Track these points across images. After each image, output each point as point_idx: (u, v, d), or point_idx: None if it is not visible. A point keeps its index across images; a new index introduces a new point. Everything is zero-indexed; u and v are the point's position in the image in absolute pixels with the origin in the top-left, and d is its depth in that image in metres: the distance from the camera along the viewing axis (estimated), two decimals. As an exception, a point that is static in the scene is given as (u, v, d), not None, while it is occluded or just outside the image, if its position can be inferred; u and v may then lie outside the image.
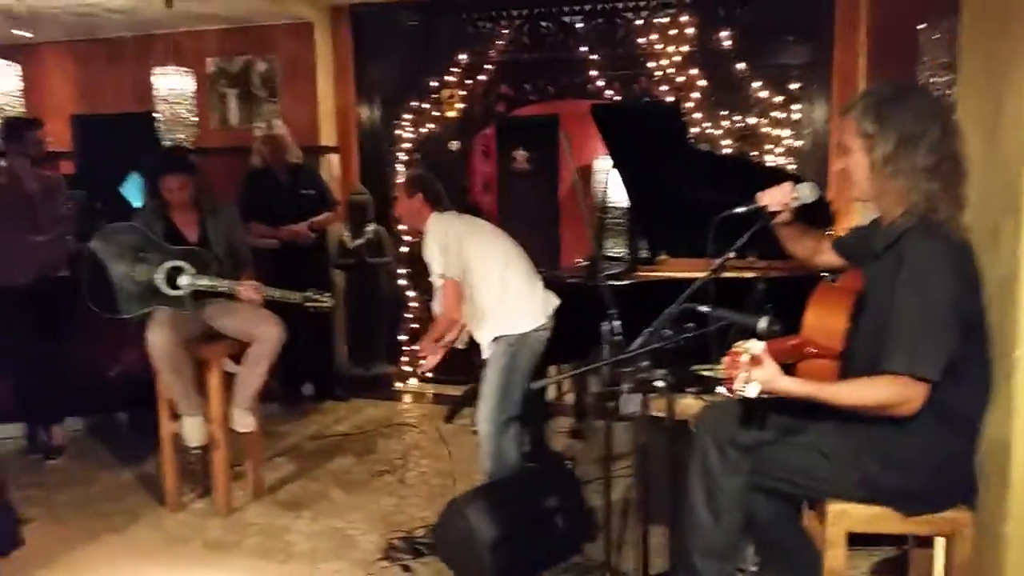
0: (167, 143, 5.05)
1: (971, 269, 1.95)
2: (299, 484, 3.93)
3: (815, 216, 3.69)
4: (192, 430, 3.44)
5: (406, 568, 3.06)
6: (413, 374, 5.77)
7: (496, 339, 3.29)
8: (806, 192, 2.18)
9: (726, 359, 1.84)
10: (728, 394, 1.83)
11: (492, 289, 3.28)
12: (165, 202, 3.56)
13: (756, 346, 1.82)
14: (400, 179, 3.50)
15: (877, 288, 2.01)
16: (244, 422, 3.54)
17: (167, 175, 3.51)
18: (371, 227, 5.43)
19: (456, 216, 3.45)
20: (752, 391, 1.79)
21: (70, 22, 5.53)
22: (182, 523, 3.49)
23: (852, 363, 2.02)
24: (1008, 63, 2.03)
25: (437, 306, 3.41)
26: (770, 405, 2.15)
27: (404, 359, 5.80)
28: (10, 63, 5.31)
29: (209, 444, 3.52)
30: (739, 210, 2.19)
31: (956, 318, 1.86)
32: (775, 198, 2.21)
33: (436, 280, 3.30)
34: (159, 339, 3.30)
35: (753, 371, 1.79)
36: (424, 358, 3.38)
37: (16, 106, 5.18)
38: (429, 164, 5.64)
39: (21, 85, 5.22)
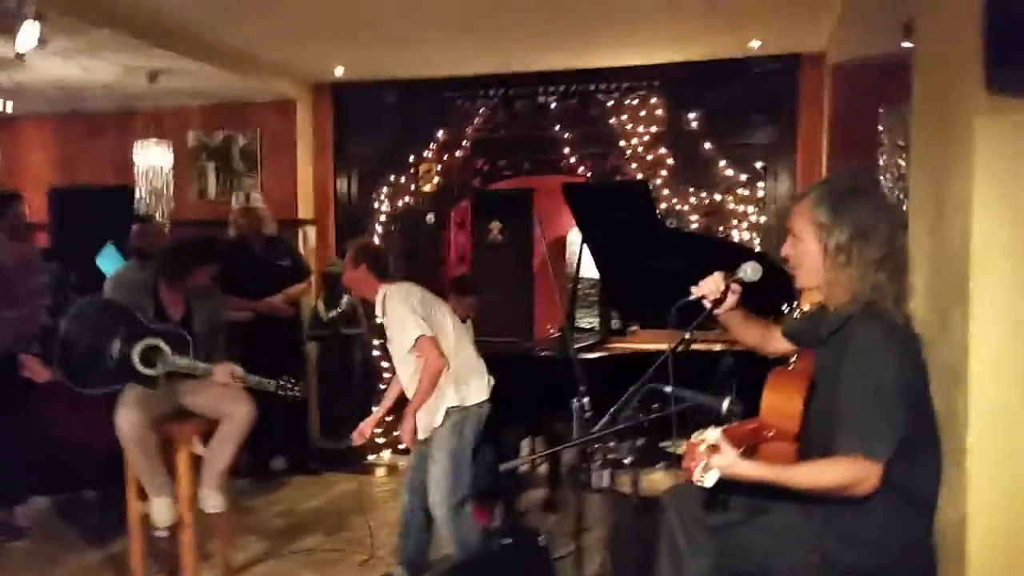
0: (143, 216, 5.08)
1: (915, 351, 2.02)
2: (268, 565, 3.85)
3: (772, 294, 3.81)
4: (160, 511, 3.39)
5: (376, 651, 3.00)
6: (387, 446, 5.72)
7: (446, 410, 3.33)
8: (748, 272, 2.19)
9: (684, 449, 1.87)
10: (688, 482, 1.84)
11: (449, 357, 3.34)
12: (171, 279, 3.54)
13: (712, 435, 1.85)
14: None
15: (825, 372, 2.07)
16: (213, 502, 3.48)
17: (207, 261, 3.57)
18: (346, 299, 5.45)
19: (414, 285, 3.52)
20: (710, 480, 1.81)
21: (53, 95, 5.61)
22: (148, 607, 3.41)
23: (808, 445, 2.06)
24: (949, 150, 2.12)
25: (404, 372, 3.42)
26: (734, 487, 2.18)
27: (378, 431, 5.75)
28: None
29: (177, 525, 3.45)
30: (688, 300, 2.23)
31: (903, 398, 1.91)
32: (709, 288, 2.22)
33: (408, 343, 3.28)
34: (128, 421, 3.27)
35: (712, 458, 1.82)
36: (407, 431, 3.34)
37: (-6, 180, 5.21)
38: (406, 236, 5.75)
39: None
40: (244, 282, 4.93)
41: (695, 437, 1.87)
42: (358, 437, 3.48)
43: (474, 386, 3.40)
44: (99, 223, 5.44)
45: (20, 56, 3.90)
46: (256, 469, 5.11)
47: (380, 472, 5.43)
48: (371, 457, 5.67)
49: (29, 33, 3.33)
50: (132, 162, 5.22)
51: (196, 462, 3.51)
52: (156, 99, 5.72)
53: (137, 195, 5.12)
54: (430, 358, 3.26)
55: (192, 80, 5.21)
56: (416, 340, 3.24)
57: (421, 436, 3.39)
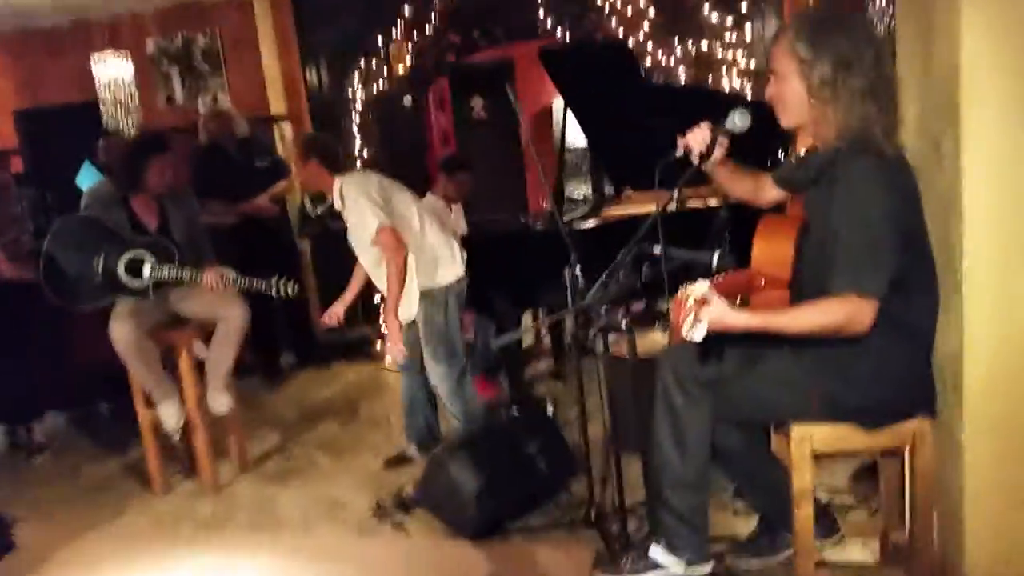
0: (110, 129, 4.94)
1: (907, 182, 1.95)
2: (284, 455, 3.96)
3: (766, 141, 3.71)
4: (169, 415, 3.45)
5: (398, 525, 3.11)
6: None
7: (423, 293, 3.35)
8: (736, 121, 2.11)
9: (671, 306, 1.84)
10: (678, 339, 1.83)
11: (414, 241, 3.33)
12: (129, 188, 3.46)
13: (699, 288, 1.81)
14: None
15: (816, 213, 2.01)
16: (220, 402, 3.54)
17: (155, 158, 3.40)
18: (333, 192, 5.37)
19: (371, 173, 3.46)
20: (699, 333, 1.78)
21: (3, 15, 5.35)
22: (171, 506, 3.53)
23: (800, 289, 2.04)
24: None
25: (366, 261, 3.42)
26: (727, 338, 2.18)
27: (382, 320, 5.80)
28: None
29: (188, 427, 3.53)
30: (673, 155, 2.15)
31: (895, 231, 1.86)
32: (696, 140, 2.15)
33: (368, 235, 3.24)
34: (122, 331, 3.28)
35: (701, 311, 1.79)
36: (393, 335, 3.34)
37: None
38: (384, 122, 5.59)
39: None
40: (224, 186, 4.85)
41: (681, 292, 1.84)
42: (328, 320, 3.54)
43: (445, 265, 3.40)
44: (69, 142, 5.31)
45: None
46: (264, 366, 5.19)
47: (387, 359, 5.51)
48: (377, 344, 5.74)
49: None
50: (93, 76, 5.02)
51: (200, 366, 3.54)
52: (109, 8, 5.44)
53: (102, 109, 4.95)
54: (390, 250, 3.24)
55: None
56: (377, 231, 3.21)
57: (403, 322, 3.41)
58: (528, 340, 5.20)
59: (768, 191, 2.33)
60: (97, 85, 4.94)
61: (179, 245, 3.48)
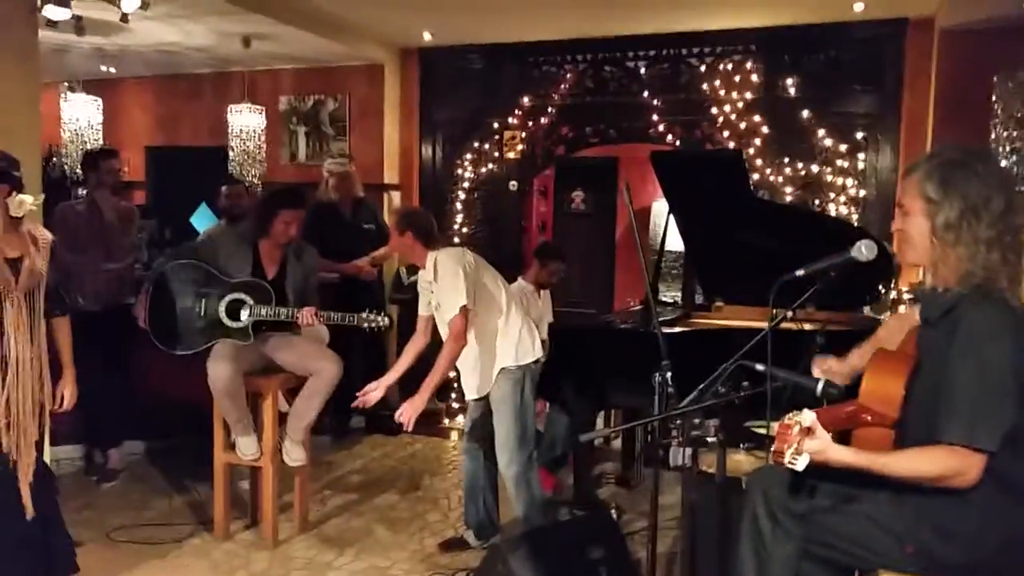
0: (234, 177, 5.21)
1: None
2: (344, 519, 3.94)
3: (877, 269, 3.62)
4: (247, 445, 3.52)
5: (447, 612, 3.04)
6: (462, 410, 5.77)
7: (502, 371, 3.36)
8: (863, 251, 2.03)
9: (777, 430, 1.79)
10: (778, 467, 1.77)
11: (500, 320, 3.38)
12: (262, 234, 3.60)
13: (807, 417, 1.77)
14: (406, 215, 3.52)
15: (931, 356, 1.94)
16: (295, 455, 3.58)
17: (288, 209, 3.55)
18: (428, 263, 5.49)
19: (467, 250, 3.52)
20: (802, 464, 1.74)
21: (154, 59, 5.80)
22: (229, 553, 3.54)
23: (906, 431, 1.96)
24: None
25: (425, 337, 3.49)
26: (824, 473, 2.09)
27: (454, 396, 5.81)
28: (94, 98, 5.59)
29: (259, 475, 3.56)
30: (798, 273, 2.11)
31: (1015, 385, 1.78)
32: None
33: (452, 310, 3.27)
34: (221, 372, 3.37)
35: (805, 441, 1.75)
36: (415, 409, 3.31)
37: (97, 138, 5.42)
38: (488, 203, 5.73)
39: (101, 118, 5.47)
40: (331, 244, 5.02)
41: (788, 419, 1.78)
42: (365, 400, 3.43)
43: (529, 345, 3.43)
44: (193, 182, 5.63)
45: (125, 18, 4.02)
46: (335, 427, 5.23)
47: (454, 435, 5.48)
48: (446, 421, 5.73)
49: (132, -1, 3.44)
50: (226, 124, 5.35)
51: (280, 419, 3.60)
52: (250, 63, 5.84)
53: (230, 156, 5.25)
54: (456, 332, 3.27)
55: (284, 45, 5.29)
56: (458, 309, 3.25)
57: (470, 397, 3.47)
58: (597, 441, 5.10)
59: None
60: (229, 133, 5.24)
61: (289, 296, 3.59)
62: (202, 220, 5.82)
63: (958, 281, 1.89)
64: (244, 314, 3.49)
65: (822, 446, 1.78)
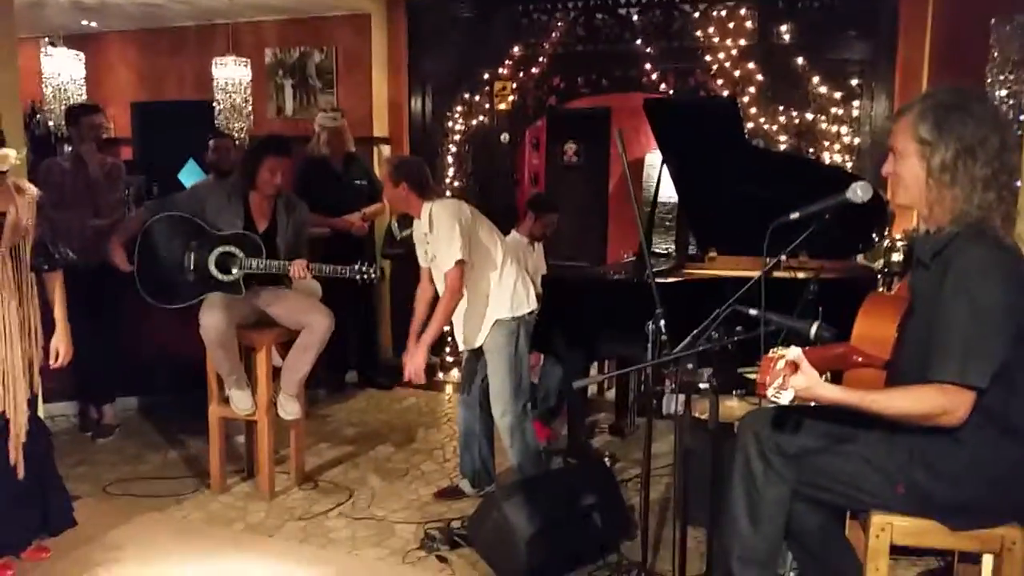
0: (216, 132, 5.13)
1: (1022, 274, 1.86)
2: (340, 470, 3.97)
3: (870, 216, 3.60)
4: (241, 400, 3.52)
5: (442, 559, 3.07)
6: (456, 364, 5.80)
7: (497, 322, 3.36)
8: (858, 193, 2.01)
9: (760, 363, 1.79)
10: (760, 398, 1.78)
11: (495, 272, 3.38)
12: (249, 184, 3.56)
13: (793, 351, 1.77)
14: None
15: (924, 297, 1.94)
16: (290, 409, 3.59)
17: (273, 156, 3.50)
18: (420, 218, 5.45)
19: (462, 203, 3.48)
20: (786, 398, 1.75)
21: (135, 12, 5.67)
22: (226, 505, 3.56)
23: (898, 372, 1.96)
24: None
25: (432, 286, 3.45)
26: (814, 412, 2.10)
27: (447, 350, 5.82)
28: (76, 52, 5.46)
29: (254, 428, 3.57)
30: (792, 216, 2.10)
31: (1007, 323, 1.79)
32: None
33: (448, 263, 3.26)
34: (213, 321, 3.36)
35: (791, 377, 1.76)
36: (418, 363, 3.34)
37: (80, 94, 5.32)
38: (479, 155, 5.66)
39: (84, 73, 5.35)
40: (323, 199, 4.97)
41: (772, 352, 1.79)
42: (413, 373, 3.37)
43: (523, 296, 3.43)
44: (180, 137, 5.54)
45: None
46: (330, 381, 5.25)
47: (448, 388, 5.50)
48: (440, 374, 5.75)
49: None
50: (211, 77, 5.24)
51: (274, 373, 3.59)
52: (234, 15, 5.72)
53: (216, 110, 5.17)
54: (452, 286, 3.26)
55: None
56: (454, 262, 3.23)
57: (464, 348, 3.48)
58: (590, 390, 5.14)
59: None
60: (214, 87, 5.15)
61: (281, 248, 3.57)
62: (190, 175, 5.75)
63: (952, 221, 1.89)
64: (235, 267, 3.47)
65: (809, 382, 1.78)
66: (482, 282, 3.38)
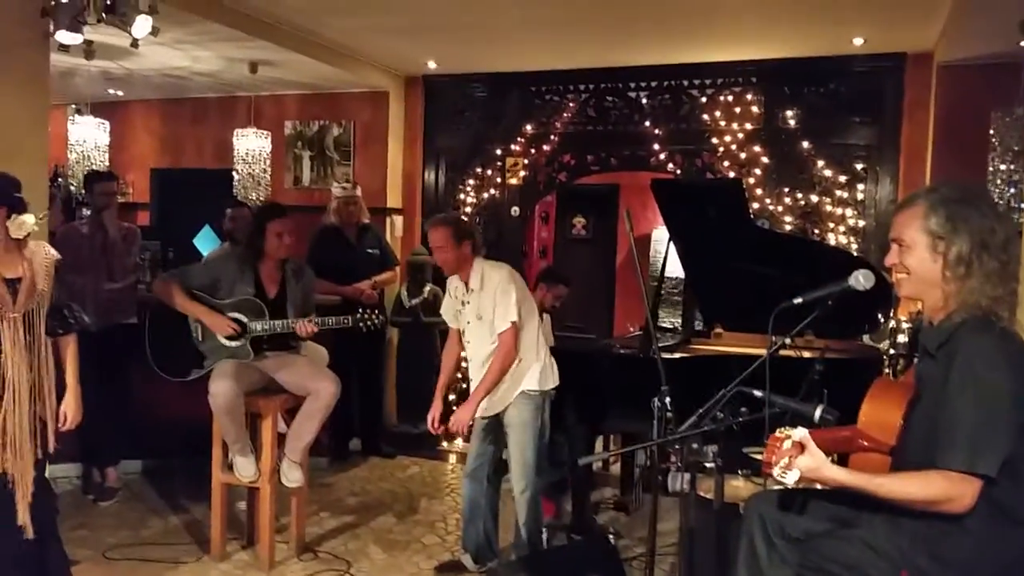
0: (240, 200, 5.25)
1: None
2: (340, 541, 3.93)
3: (875, 298, 3.64)
4: (245, 467, 3.52)
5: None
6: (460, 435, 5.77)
7: (524, 393, 3.37)
8: (860, 280, 2.06)
9: (767, 443, 1.80)
10: (766, 478, 1.79)
11: (532, 343, 3.40)
12: (259, 252, 3.63)
13: (799, 432, 1.79)
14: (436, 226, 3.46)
15: (930, 385, 1.96)
16: (293, 476, 3.58)
17: (275, 220, 3.60)
18: (428, 287, 5.52)
19: (509, 266, 3.54)
20: (791, 478, 1.75)
21: (160, 82, 5.87)
22: (224, 573, 3.52)
23: (903, 459, 1.97)
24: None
25: (481, 350, 3.41)
26: (820, 495, 2.10)
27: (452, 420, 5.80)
28: (101, 121, 5.64)
29: (256, 496, 3.55)
30: (796, 301, 2.13)
31: (1014, 412, 1.80)
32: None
33: (502, 324, 3.30)
34: (222, 388, 3.38)
35: (798, 458, 1.77)
36: (465, 420, 3.36)
37: (103, 159, 5.47)
38: (489, 228, 5.76)
39: (108, 140, 5.51)
40: (335, 267, 5.06)
41: (779, 432, 1.80)
42: (458, 428, 3.40)
43: (550, 371, 3.46)
44: (198, 204, 5.66)
45: (135, 44, 4.09)
46: (334, 449, 5.23)
47: (452, 459, 5.47)
48: (444, 444, 5.72)
49: (143, 24, 3.50)
50: (232, 147, 5.40)
51: (278, 440, 3.60)
52: (256, 88, 5.91)
53: (235, 179, 5.30)
54: (507, 348, 3.29)
55: (290, 71, 5.36)
56: (511, 324, 3.28)
57: (483, 415, 3.43)
58: (595, 465, 5.10)
59: None
60: (234, 157, 5.29)
61: (290, 314, 3.62)
62: (205, 242, 5.85)
63: (957, 311, 1.91)
64: (242, 334, 3.51)
65: (815, 463, 1.79)
66: (519, 350, 3.39)
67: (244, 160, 5.26)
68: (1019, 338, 1.90)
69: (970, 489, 1.79)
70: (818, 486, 1.88)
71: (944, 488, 1.79)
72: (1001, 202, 3.98)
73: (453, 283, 3.52)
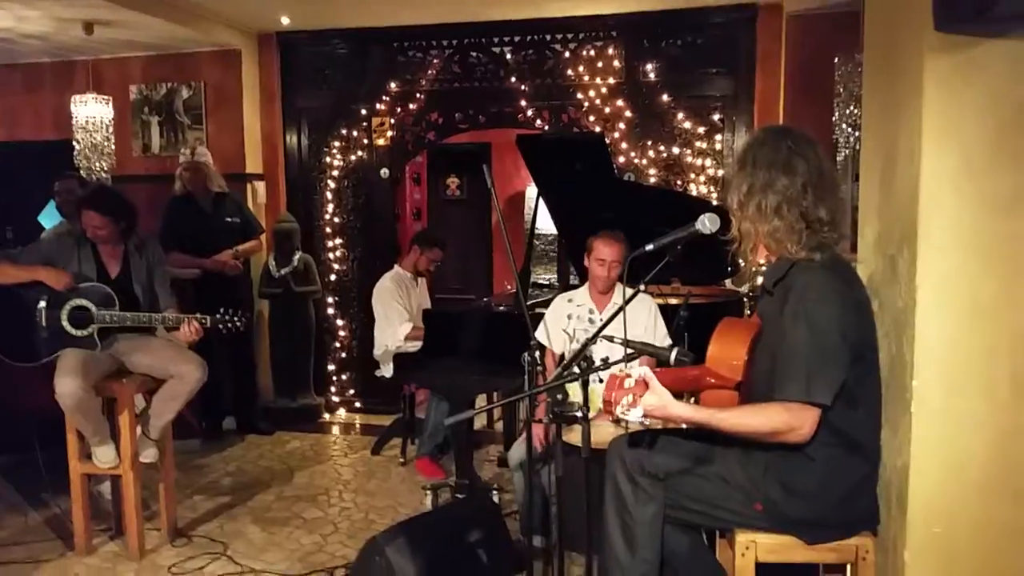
0: (85, 173, 4.89)
1: (858, 296, 2.01)
2: (216, 523, 3.79)
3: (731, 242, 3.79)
4: (104, 453, 3.32)
5: (326, 608, 2.98)
6: (341, 404, 5.69)
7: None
8: (706, 223, 2.06)
9: (606, 382, 1.84)
10: (608, 418, 1.82)
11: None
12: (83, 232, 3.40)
13: (638, 370, 1.82)
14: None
15: (769, 322, 2.06)
16: (148, 453, 3.41)
17: (87, 209, 3.35)
18: (298, 255, 5.35)
19: None
20: (635, 415, 1.79)
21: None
22: (91, 568, 3.34)
23: (749, 394, 2.06)
24: (899, 106, 2.11)
25: None
26: (677, 434, 2.17)
27: (332, 389, 5.70)
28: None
29: (120, 483, 3.37)
30: (648, 248, 2.17)
31: (845, 344, 1.90)
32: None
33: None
34: (68, 388, 3.13)
35: (643, 397, 1.81)
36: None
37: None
38: (359, 191, 5.61)
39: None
40: (192, 239, 4.81)
41: (618, 371, 1.84)
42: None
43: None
44: (38, 180, 5.23)
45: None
46: (206, 430, 5.04)
47: (335, 430, 5.38)
48: (326, 415, 5.62)
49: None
50: (71, 115, 4.99)
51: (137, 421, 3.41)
52: (95, 51, 5.48)
53: (76, 149, 4.91)
54: None
55: (131, 31, 4.98)
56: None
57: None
58: (479, 423, 5.14)
59: None
60: (74, 125, 4.89)
61: (139, 293, 3.42)
62: (51, 218, 5.43)
63: (791, 249, 2.00)
64: (90, 322, 3.29)
65: (660, 401, 1.85)
66: None
67: (85, 129, 4.86)
68: (850, 268, 2.01)
69: (809, 418, 1.88)
70: (670, 425, 1.93)
71: (784, 418, 1.88)
72: (847, 144, 4.21)
73: (580, 303, 3.43)
